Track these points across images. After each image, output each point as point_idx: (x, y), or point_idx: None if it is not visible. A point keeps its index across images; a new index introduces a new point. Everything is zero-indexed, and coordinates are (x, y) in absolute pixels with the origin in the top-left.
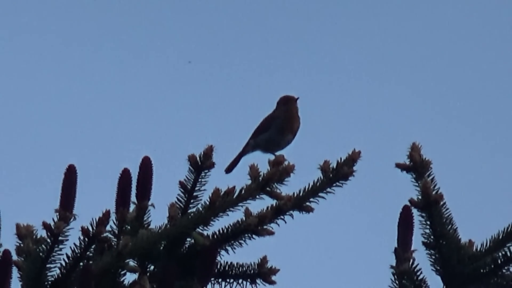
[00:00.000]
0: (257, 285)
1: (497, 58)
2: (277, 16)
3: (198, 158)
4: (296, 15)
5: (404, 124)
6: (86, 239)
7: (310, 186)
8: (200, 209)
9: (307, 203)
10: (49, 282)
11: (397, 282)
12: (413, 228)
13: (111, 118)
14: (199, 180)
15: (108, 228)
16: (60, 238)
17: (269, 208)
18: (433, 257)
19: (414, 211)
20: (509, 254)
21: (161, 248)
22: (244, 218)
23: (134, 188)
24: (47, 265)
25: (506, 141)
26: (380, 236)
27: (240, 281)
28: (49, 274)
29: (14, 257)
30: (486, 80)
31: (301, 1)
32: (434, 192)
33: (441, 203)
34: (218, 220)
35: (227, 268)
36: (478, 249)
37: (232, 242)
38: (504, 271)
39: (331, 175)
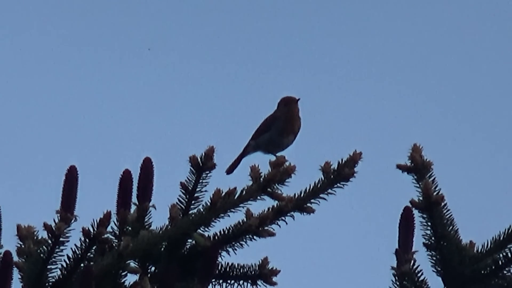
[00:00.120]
0: (258, 286)
1: (498, 58)
2: (278, 16)
3: (199, 159)
4: (297, 16)
5: (405, 125)
6: (87, 240)
7: (311, 187)
8: (201, 210)
9: (308, 204)
10: (50, 283)
11: (398, 283)
12: (414, 229)
13: (112, 119)
14: (200, 181)
15: (109, 229)
16: (61, 239)
17: (270, 209)
18: (434, 258)
19: (415, 212)
20: (510, 255)
21: (162, 249)
22: (245, 219)
23: (135, 189)
24: (48, 266)
25: (507, 142)
26: (381, 237)
27: (241, 282)
28: (50, 275)
29: (15, 258)
30: (487, 80)
31: (302, 1)
32: (435, 193)
33: (442, 204)
34: (219, 221)
35: (228, 269)
36: (479, 250)
37: (233, 243)
38: (505, 272)
39: (332, 176)
